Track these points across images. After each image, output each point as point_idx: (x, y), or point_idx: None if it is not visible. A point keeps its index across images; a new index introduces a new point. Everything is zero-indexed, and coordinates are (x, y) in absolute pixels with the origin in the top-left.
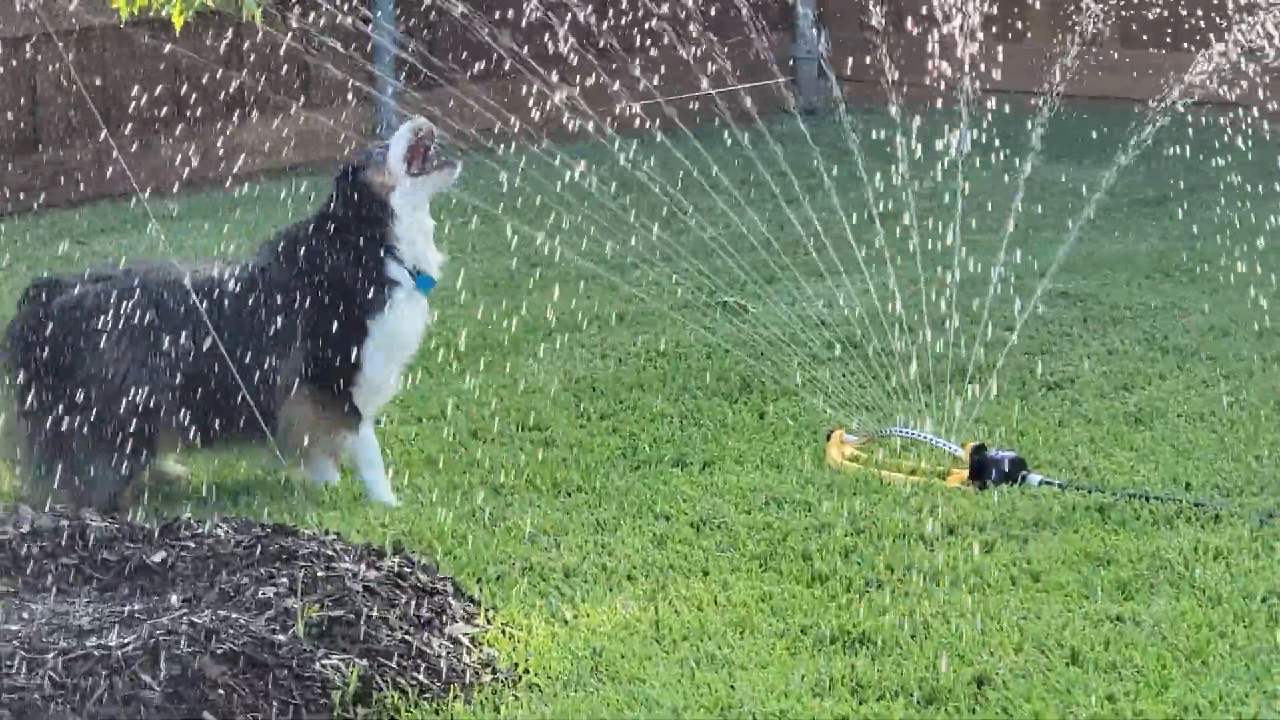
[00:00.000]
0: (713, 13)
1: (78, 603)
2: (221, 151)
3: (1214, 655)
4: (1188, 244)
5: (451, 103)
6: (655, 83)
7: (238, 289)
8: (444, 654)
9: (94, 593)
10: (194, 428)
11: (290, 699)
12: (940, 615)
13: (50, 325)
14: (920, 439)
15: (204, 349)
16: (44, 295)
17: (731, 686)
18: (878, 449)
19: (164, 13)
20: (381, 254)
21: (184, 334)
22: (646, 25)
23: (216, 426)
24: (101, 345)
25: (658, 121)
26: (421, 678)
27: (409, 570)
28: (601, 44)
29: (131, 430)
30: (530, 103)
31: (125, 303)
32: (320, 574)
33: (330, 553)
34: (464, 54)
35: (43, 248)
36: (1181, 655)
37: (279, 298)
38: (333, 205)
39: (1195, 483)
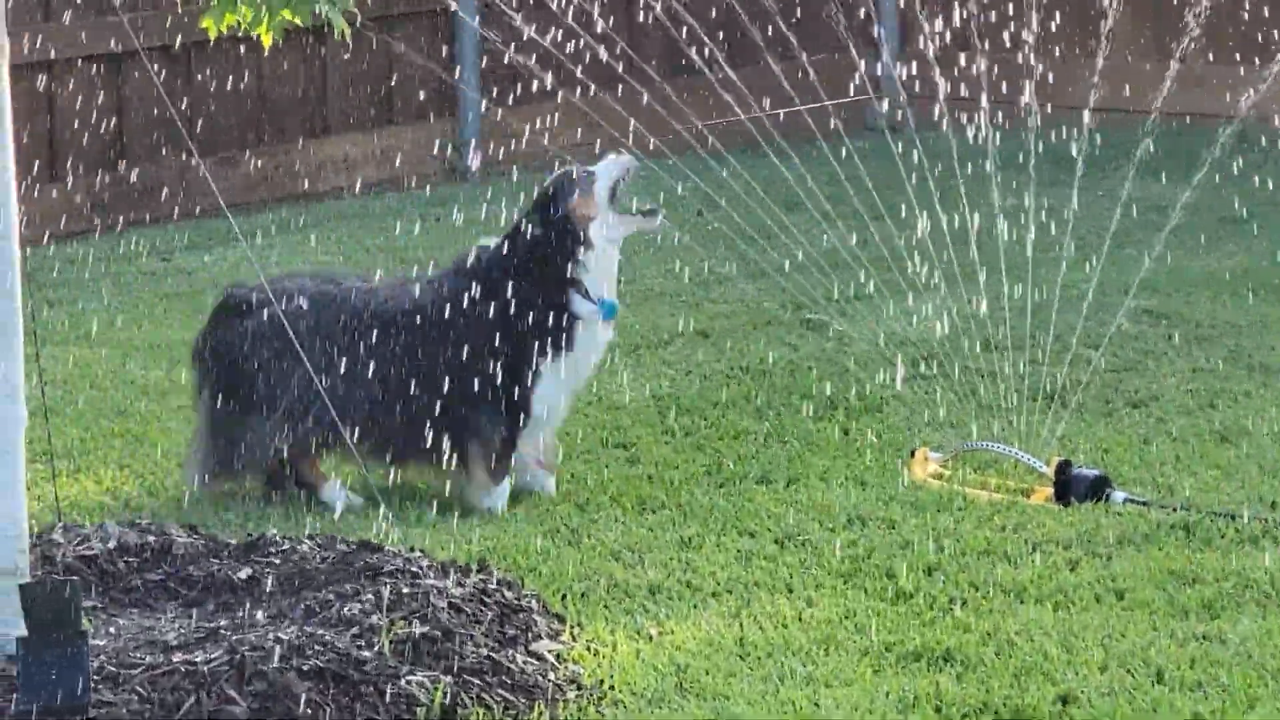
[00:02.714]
0: (799, 29)
1: (164, 618)
2: (305, 168)
3: None
4: (1273, 260)
5: (539, 119)
6: (732, 99)
7: (422, 315)
8: (529, 670)
9: (180, 608)
10: (374, 443)
11: (376, 715)
12: (1024, 633)
13: (237, 346)
14: (1006, 453)
15: (383, 376)
16: (233, 314)
17: (816, 704)
18: (962, 467)
19: (253, 33)
20: (569, 287)
21: (364, 361)
22: (730, 42)
23: (396, 444)
24: (285, 369)
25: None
26: (506, 694)
27: (494, 586)
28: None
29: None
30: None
31: (306, 325)
32: (405, 590)
33: (415, 569)
34: (544, 72)
35: (127, 264)
36: (1268, 674)
37: (464, 325)
38: (529, 228)
39: None
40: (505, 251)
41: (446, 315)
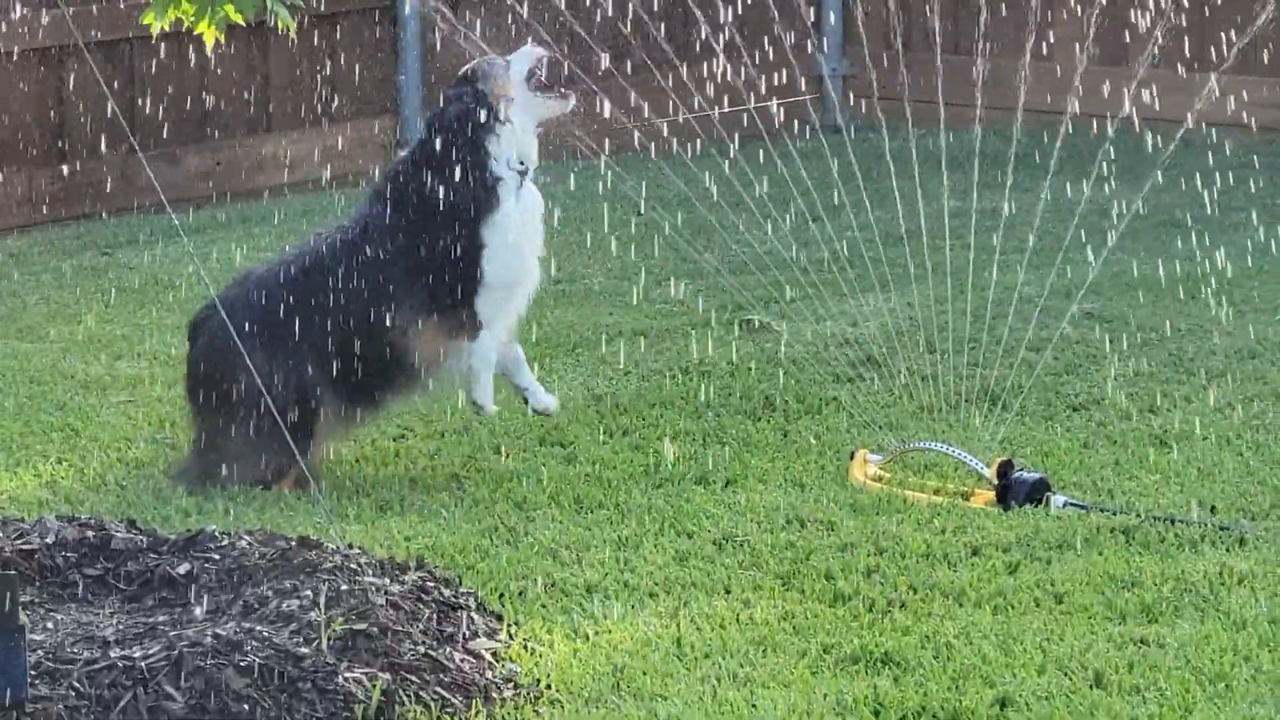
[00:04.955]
0: (741, 28)
1: (102, 614)
2: (246, 164)
3: (1238, 680)
4: (1215, 265)
5: None
6: (676, 99)
7: (351, 244)
8: (466, 669)
9: (118, 604)
10: (346, 397)
11: (313, 712)
12: (963, 636)
13: (210, 350)
14: (946, 453)
15: (332, 317)
16: (203, 324)
17: (753, 705)
18: (901, 469)
19: (195, 30)
20: (487, 157)
21: (313, 311)
22: (674, 42)
23: (365, 390)
24: (248, 351)
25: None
26: (444, 692)
27: (432, 584)
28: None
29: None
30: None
31: (257, 300)
32: (344, 587)
33: (354, 566)
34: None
35: (68, 258)
36: (1206, 679)
37: (392, 238)
38: (444, 112)
39: (1221, 506)
40: (425, 137)
41: (385, 225)
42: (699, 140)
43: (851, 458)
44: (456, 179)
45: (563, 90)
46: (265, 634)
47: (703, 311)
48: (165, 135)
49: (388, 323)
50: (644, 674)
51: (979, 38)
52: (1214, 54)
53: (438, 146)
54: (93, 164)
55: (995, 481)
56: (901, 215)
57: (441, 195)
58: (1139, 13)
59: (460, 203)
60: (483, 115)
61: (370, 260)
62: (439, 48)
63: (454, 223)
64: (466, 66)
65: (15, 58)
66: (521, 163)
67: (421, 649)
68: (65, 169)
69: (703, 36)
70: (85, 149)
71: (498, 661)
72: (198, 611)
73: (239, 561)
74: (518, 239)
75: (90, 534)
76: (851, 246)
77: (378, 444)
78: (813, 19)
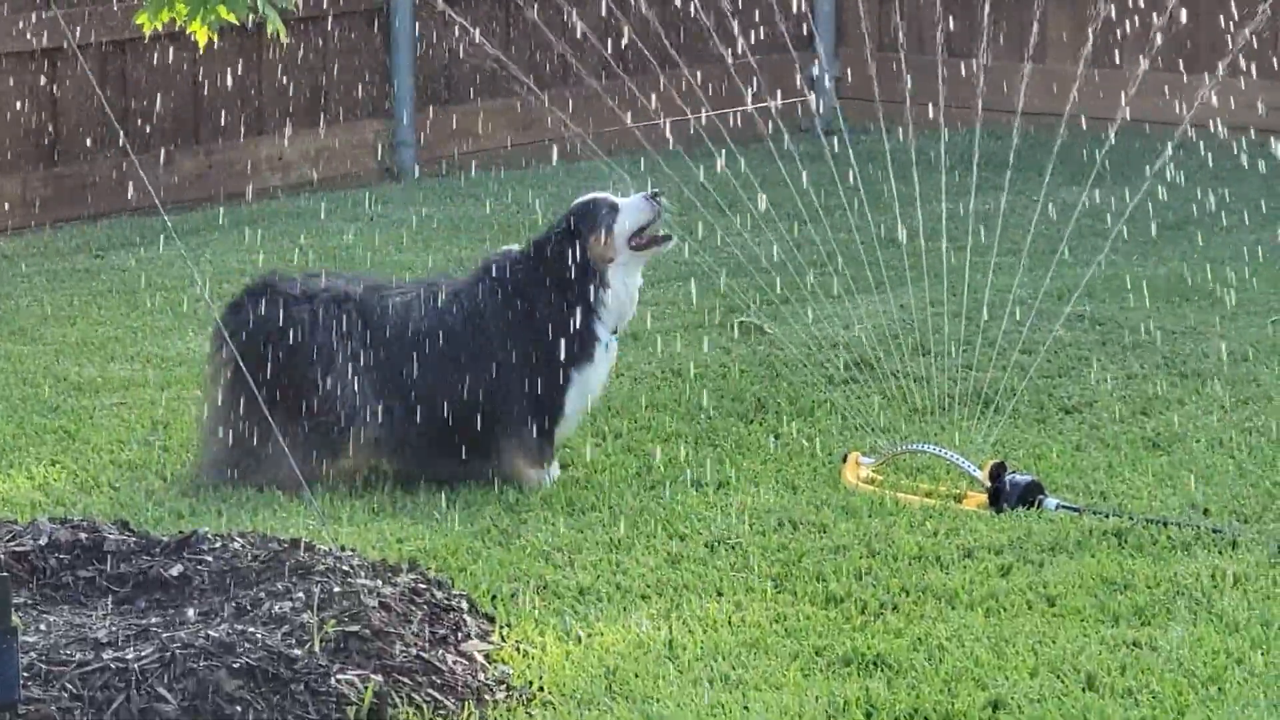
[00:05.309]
0: (735, 31)
1: (95, 615)
2: (239, 167)
3: (1231, 682)
4: (1208, 268)
5: (458, 122)
6: (669, 100)
7: (451, 321)
8: (458, 670)
9: (111, 605)
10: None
11: (306, 714)
12: (955, 638)
13: (264, 343)
14: (939, 455)
15: (412, 375)
16: (256, 308)
17: (745, 708)
18: (894, 472)
19: (188, 31)
20: (591, 316)
21: (396, 361)
22: (665, 42)
23: (427, 446)
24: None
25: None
26: (436, 694)
27: (424, 586)
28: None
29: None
30: (548, 121)
31: (334, 325)
32: (336, 589)
33: (346, 568)
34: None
35: (61, 260)
36: (1198, 682)
37: (494, 334)
38: (549, 251)
39: (1213, 508)
40: (531, 266)
41: (478, 320)
42: (690, 142)
43: (844, 460)
44: (557, 331)
45: (661, 235)
46: (258, 636)
47: (695, 314)
48: (158, 137)
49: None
50: (636, 676)
51: (974, 40)
52: (1208, 57)
53: (549, 280)
54: (86, 166)
55: (988, 484)
56: (895, 217)
57: (544, 338)
58: (1133, 15)
59: (559, 350)
60: (587, 279)
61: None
62: (431, 49)
63: (550, 363)
64: (576, 207)
65: (7, 59)
66: (615, 329)
67: (414, 651)
68: (58, 171)
69: (696, 38)
70: (78, 151)
71: (490, 663)
72: (190, 613)
73: (231, 563)
74: (595, 384)
75: (83, 536)
76: (844, 249)
77: None
78: (806, 22)
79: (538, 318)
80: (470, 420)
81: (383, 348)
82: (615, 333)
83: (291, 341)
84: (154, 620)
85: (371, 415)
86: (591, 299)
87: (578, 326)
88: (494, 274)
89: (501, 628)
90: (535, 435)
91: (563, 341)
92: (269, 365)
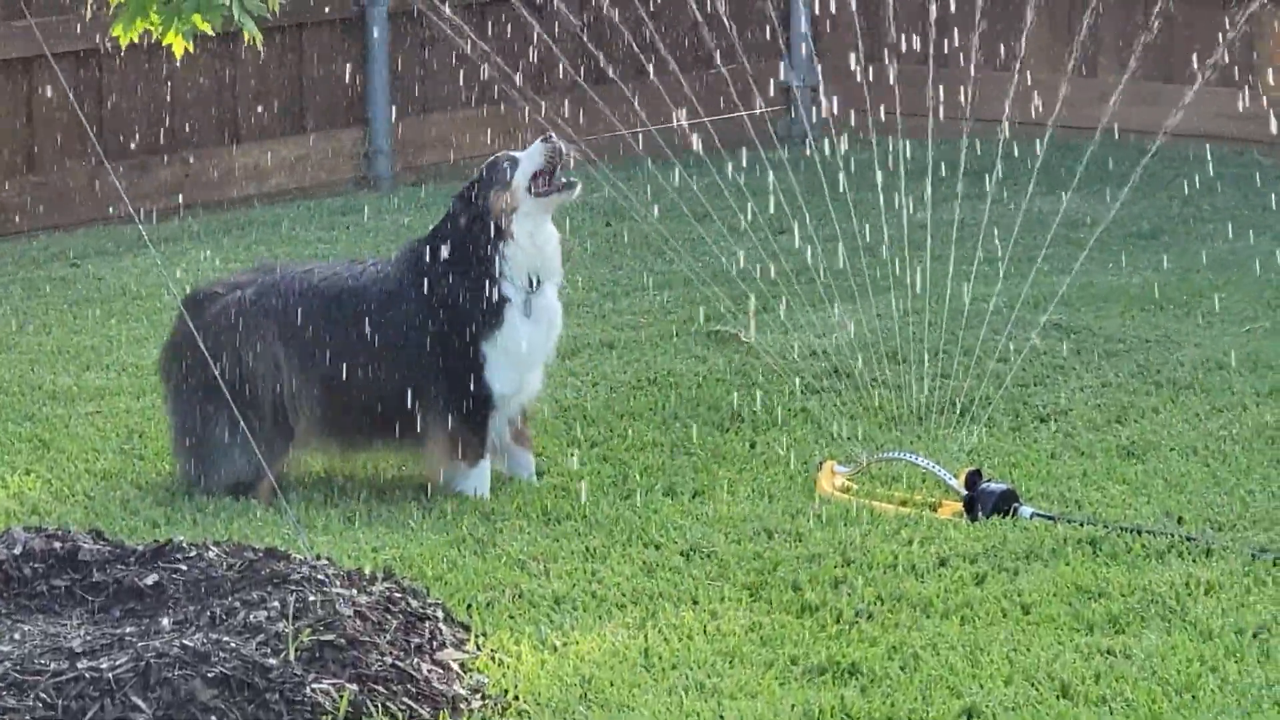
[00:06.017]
0: (708, 40)
1: (69, 624)
2: (216, 175)
3: (1204, 690)
4: (1182, 277)
5: (434, 130)
6: (645, 109)
7: (370, 301)
8: (434, 679)
9: (86, 615)
10: (334, 430)
11: None
12: (930, 647)
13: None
14: (915, 463)
15: (340, 357)
16: (196, 306)
17: (720, 716)
18: (869, 481)
19: (164, 42)
20: (494, 274)
21: (324, 341)
22: (638, 51)
23: (355, 429)
24: (245, 350)
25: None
26: (411, 703)
27: (399, 595)
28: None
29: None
30: (516, 130)
31: (265, 307)
32: (311, 598)
33: (321, 577)
34: (456, 81)
35: (37, 269)
36: (1172, 690)
37: (408, 316)
38: (451, 220)
39: (1188, 516)
40: (438, 237)
41: (391, 299)
42: (666, 151)
43: (819, 468)
44: (462, 300)
45: (565, 181)
46: (233, 645)
47: (670, 322)
48: (134, 146)
49: (399, 391)
50: (611, 685)
51: (955, 49)
52: (1185, 67)
53: (445, 255)
54: (61, 175)
55: (963, 492)
56: (869, 226)
57: (449, 311)
58: (1111, 25)
59: (466, 322)
60: (488, 236)
61: (395, 323)
62: (407, 57)
63: (459, 338)
64: (479, 170)
65: None
66: (532, 279)
67: (389, 660)
68: (34, 179)
69: (672, 47)
70: (54, 160)
71: (465, 672)
72: (165, 622)
73: (206, 572)
74: (523, 354)
75: (58, 545)
76: (819, 257)
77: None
78: (781, 30)
79: (443, 291)
80: (400, 403)
81: (310, 330)
82: (535, 286)
83: (224, 340)
84: (129, 629)
85: (307, 398)
86: (492, 256)
87: (484, 292)
88: (409, 249)
89: (477, 636)
90: (459, 423)
91: (470, 312)
92: (214, 365)
